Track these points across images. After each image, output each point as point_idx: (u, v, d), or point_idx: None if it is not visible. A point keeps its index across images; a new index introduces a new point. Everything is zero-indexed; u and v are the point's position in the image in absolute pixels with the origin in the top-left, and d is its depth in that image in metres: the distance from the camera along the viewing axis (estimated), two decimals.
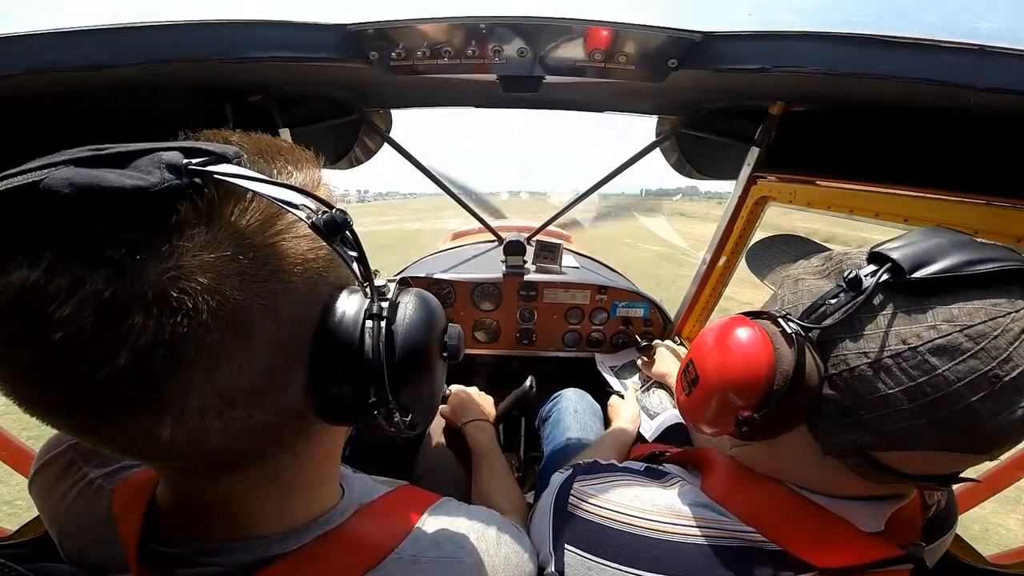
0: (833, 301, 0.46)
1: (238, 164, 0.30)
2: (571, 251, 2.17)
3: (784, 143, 1.19)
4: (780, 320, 0.48)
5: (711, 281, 1.59)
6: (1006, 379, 0.40)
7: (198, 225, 0.27)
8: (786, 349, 0.46)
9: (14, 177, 0.25)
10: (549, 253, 1.78)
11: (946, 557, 0.90)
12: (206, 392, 0.29)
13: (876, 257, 0.46)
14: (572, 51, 0.75)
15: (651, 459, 0.67)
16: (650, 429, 1.30)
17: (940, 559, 0.67)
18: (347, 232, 0.33)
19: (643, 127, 1.59)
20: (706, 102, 1.24)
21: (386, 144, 1.56)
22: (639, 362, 1.50)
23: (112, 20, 0.71)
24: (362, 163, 1.62)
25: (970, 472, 0.48)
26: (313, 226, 0.31)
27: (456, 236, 2.82)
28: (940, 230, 0.47)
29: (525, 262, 1.74)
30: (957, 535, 0.94)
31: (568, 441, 1.24)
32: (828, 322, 0.46)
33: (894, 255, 0.45)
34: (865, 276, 0.45)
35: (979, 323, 0.40)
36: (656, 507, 0.54)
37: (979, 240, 0.46)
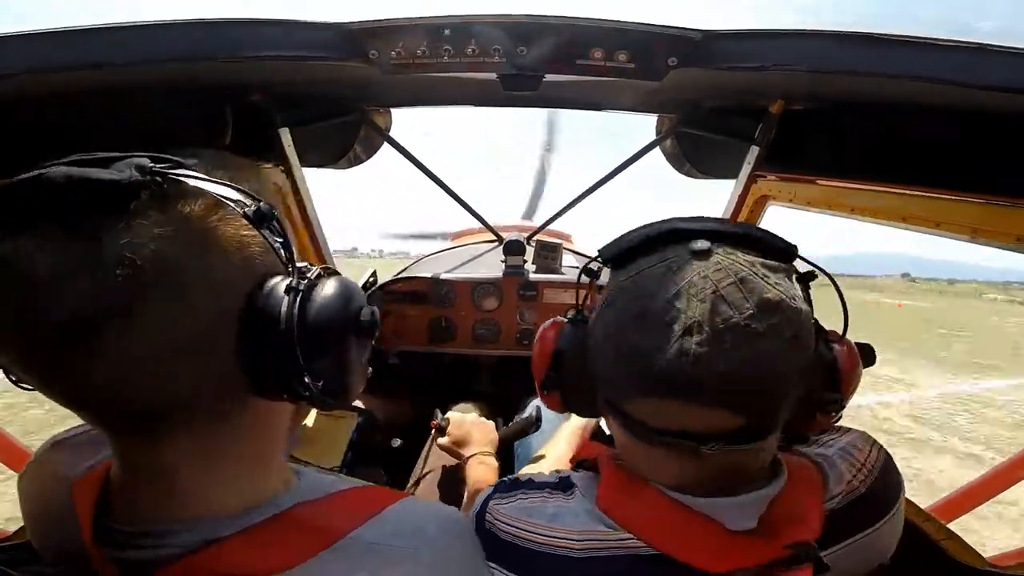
0: (585, 291, 0.63)
1: (194, 171, 0.38)
2: (571, 251, 2.17)
3: (784, 142, 1.20)
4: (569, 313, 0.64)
5: None
6: (649, 315, 0.46)
7: (154, 210, 0.35)
8: (563, 331, 0.62)
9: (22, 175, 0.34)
10: (549, 253, 1.78)
11: (945, 557, 0.90)
12: (142, 343, 0.35)
13: (598, 251, 0.58)
14: (572, 50, 0.75)
15: (580, 464, 0.67)
16: None
17: (939, 559, 0.66)
18: (274, 222, 0.41)
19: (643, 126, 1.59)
20: (706, 100, 1.24)
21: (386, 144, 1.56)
22: None
23: (112, 20, 0.71)
24: (362, 162, 1.62)
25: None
26: (244, 215, 0.39)
27: (456, 236, 2.82)
28: (656, 221, 0.56)
29: (525, 262, 1.74)
30: (955, 535, 0.94)
31: (539, 447, 1.21)
32: (583, 307, 0.62)
33: (602, 247, 0.57)
34: (588, 267, 0.61)
35: (631, 276, 0.50)
36: (551, 522, 0.56)
37: (682, 218, 0.54)
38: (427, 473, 1.19)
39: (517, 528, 0.56)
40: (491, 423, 1.14)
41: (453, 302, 1.71)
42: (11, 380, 0.41)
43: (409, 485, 1.21)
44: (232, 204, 0.38)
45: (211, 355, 0.38)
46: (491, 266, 1.77)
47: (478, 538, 0.58)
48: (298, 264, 0.42)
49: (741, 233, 0.50)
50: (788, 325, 0.45)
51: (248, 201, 0.39)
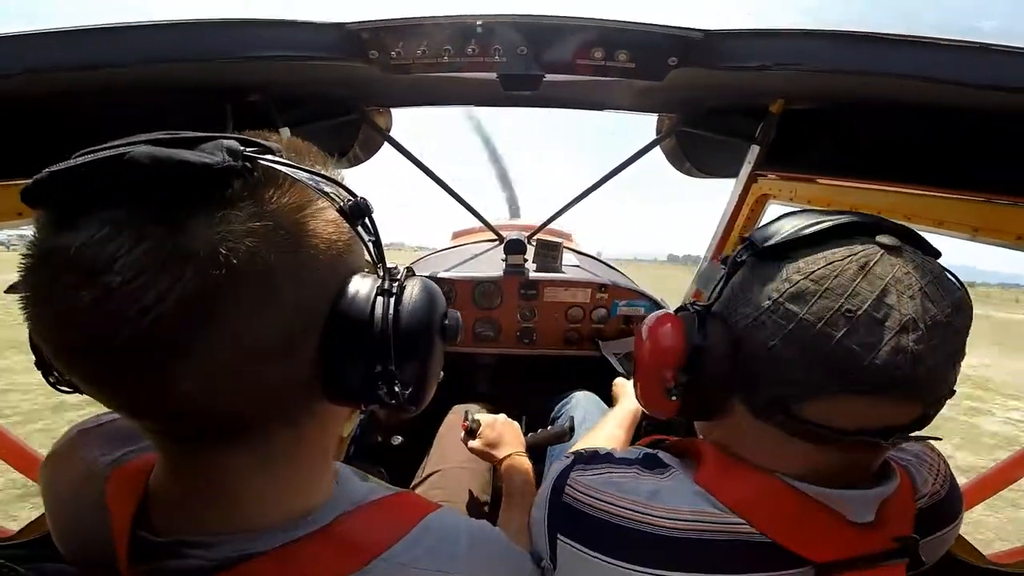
0: (722, 283, 0.55)
1: (280, 156, 0.35)
2: (572, 250, 2.17)
3: (785, 141, 1.20)
4: (688, 306, 0.57)
5: None
6: (859, 312, 0.44)
7: (246, 200, 0.32)
8: (693, 325, 0.54)
9: (98, 152, 0.30)
10: (550, 252, 1.77)
11: (947, 555, 0.90)
12: (231, 344, 0.32)
13: (743, 240, 0.55)
14: (572, 49, 0.75)
15: (653, 445, 0.66)
16: None
17: (939, 558, 0.66)
18: (368, 219, 0.38)
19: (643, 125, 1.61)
20: (706, 100, 1.24)
21: (386, 144, 1.56)
22: None
23: (111, 20, 0.71)
24: (362, 162, 1.62)
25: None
26: (340, 210, 0.37)
27: (457, 235, 2.81)
28: (802, 210, 0.54)
29: (526, 260, 1.74)
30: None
31: (575, 444, 1.22)
32: (719, 298, 0.55)
33: (753, 233, 0.53)
34: (736, 256, 0.54)
35: (819, 268, 0.47)
36: (650, 500, 0.54)
37: (830, 210, 0.53)
38: (430, 474, 1.19)
39: (604, 502, 0.54)
40: (517, 424, 1.13)
41: (453, 301, 1.71)
42: (49, 382, 0.39)
43: (412, 485, 1.21)
44: (330, 198, 0.36)
45: (295, 358, 0.36)
46: (492, 265, 1.77)
47: (516, 553, 0.56)
48: (389, 265, 0.40)
49: (906, 232, 0.50)
50: (970, 322, 0.48)
51: (343, 194, 0.37)
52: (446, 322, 0.43)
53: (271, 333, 0.34)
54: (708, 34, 0.71)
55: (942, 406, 0.49)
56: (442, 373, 0.47)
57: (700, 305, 0.56)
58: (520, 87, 0.82)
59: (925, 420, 0.48)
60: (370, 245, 0.39)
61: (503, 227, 2.06)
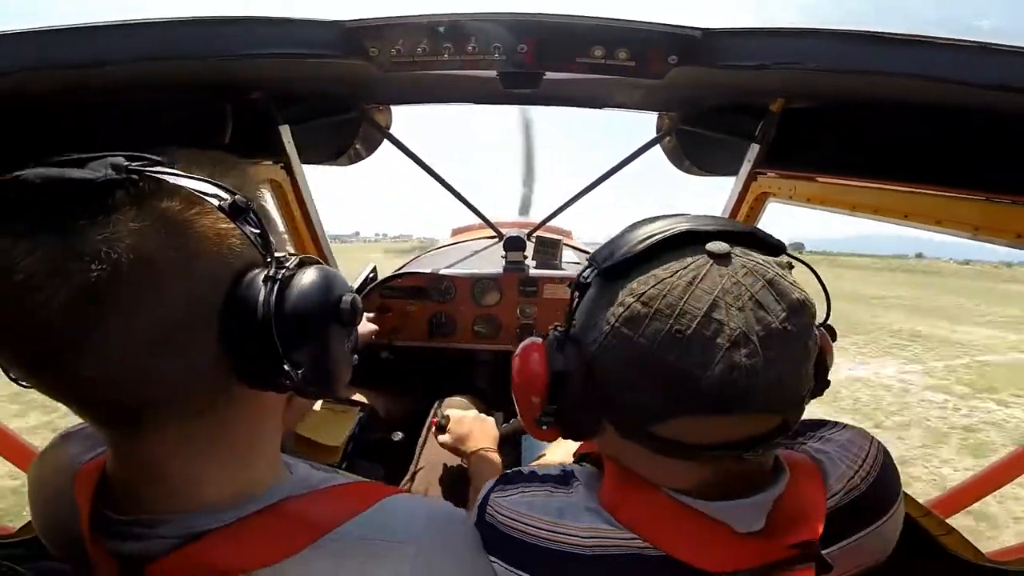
0: (574, 305, 0.54)
1: (169, 167, 0.39)
2: (572, 247, 2.17)
3: (784, 139, 1.19)
4: (551, 331, 0.56)
5: None
6: (689, 332, 0.43)
7: (130, 206, 0.36)
8: (555, 353, 0.53)
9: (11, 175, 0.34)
10: (549, 249, 1.78)
11: (945, 552, 0.91)
12: (124, 336, 0.35)
13: (589, 262, 0.53)
14: (572, 47, 0.74)
15: (583, 456, 0.66)
16: None
17: (938, 554, 0.66)
18: (251, 214, 0.41)
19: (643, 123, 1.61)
20: (706, 98, 1.24)
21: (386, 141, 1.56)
22: None
23: (111, 17, 0.71)
24: (363, 159, 1.62)
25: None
26: (220, 208, 0.39)
27: (456, 232, 2.82)
28: (642, 220, 0.52)
29: (525, 257, 1.74)
30: (955, 530, 0.95)
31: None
32: (574, 322, 0.53)
33: (596, 253, 0.52)
34: (581, 278, 0.53)
35: (649, 288, 0.45)
36: (558, 517, 0.55)
37: (667, 216, 0.51)
38: (422, 468, 1.19)
39: (518, 522, 0.55)
40: (492, 419, 1.13)
41: (453, 297, 1.71)
42: (10, 378, 0.41)
43: (405, 480, 1.22)
44: (207, 198, 0.39)
45: (193, 347, 0.38)
46: (491, 262, 1.77)
47: (477, 531, 0.57)
48: (277, 254, 0.42)
49: (742, 231, 0.49)
50: (811, 321, 0.46)
51: (224, 195, 0.40)
52: (341, 305, 0.44)
53: (164, 325, 0.36)
54: (708, 33, 0.71)
55: (803, 410, 0.48)
56: (356, 357, 0.49)
57: (561, 329, 0.55)
58: (520, 85, 0.82)
59: (787, 426, 0.47)
60: (254, 238, 0.41)
61: (502, 224, 2.06)
